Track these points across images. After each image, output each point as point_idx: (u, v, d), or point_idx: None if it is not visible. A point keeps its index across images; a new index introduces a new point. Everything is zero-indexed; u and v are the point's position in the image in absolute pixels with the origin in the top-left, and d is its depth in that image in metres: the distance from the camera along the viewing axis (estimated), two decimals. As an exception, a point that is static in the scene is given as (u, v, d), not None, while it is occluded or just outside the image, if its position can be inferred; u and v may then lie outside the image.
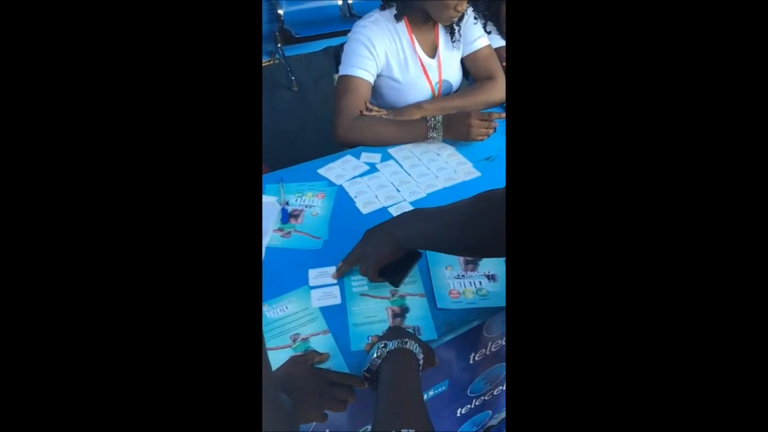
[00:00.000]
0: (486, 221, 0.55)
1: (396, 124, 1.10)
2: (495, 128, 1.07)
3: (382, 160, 1.04)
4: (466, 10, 1.09)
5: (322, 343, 0.66)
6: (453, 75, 1.23)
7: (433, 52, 1.19)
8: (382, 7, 1.11)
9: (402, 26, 1.12)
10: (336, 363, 0.64)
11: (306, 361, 0.61)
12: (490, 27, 1.19)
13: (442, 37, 1.19)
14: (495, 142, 1.08)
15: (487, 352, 0.83)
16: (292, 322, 0.69)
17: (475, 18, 1.14)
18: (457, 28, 1.17)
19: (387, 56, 1.12)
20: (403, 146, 1.08)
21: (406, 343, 0.55)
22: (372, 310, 0.70)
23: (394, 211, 0.90)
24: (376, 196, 0.94)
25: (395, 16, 1.10)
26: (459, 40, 1.19)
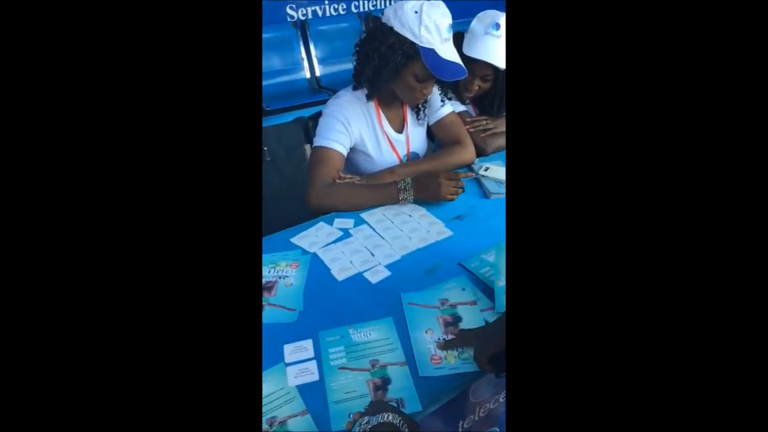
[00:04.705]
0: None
1: (367, 188, 1.12)
2: (463, 187, 1.09)
3: (356, 225, 1.05)
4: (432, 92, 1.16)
5: (300, 425, 0.62)
6: (420, 146, 1.30)
7: (401, 127, 1.25)
8: (354, 87, 1.17)
9: (371, 105, 1.18)
10: (316, 446, 0.60)
11: None
12: (450, 93, 1.27)
13: (410, 113, 1.26)
14: (464, 201, 1.10)
15: (476, 418, 0.79)
16: (267, 405, 0.64)
17: (440, 92, 1.21)
18: (422, 107, 1.24)
19: (360, 134, 1.17)
20: (375, 210, 1.09)
21: (389, 417, 0.53)
22: (352, 385, 0.67)
23: (370, 276, 0.89)
24: (350, 262, 0.93)
25: (366, 96, 1.16)
26: (424, 118, 1.27)
